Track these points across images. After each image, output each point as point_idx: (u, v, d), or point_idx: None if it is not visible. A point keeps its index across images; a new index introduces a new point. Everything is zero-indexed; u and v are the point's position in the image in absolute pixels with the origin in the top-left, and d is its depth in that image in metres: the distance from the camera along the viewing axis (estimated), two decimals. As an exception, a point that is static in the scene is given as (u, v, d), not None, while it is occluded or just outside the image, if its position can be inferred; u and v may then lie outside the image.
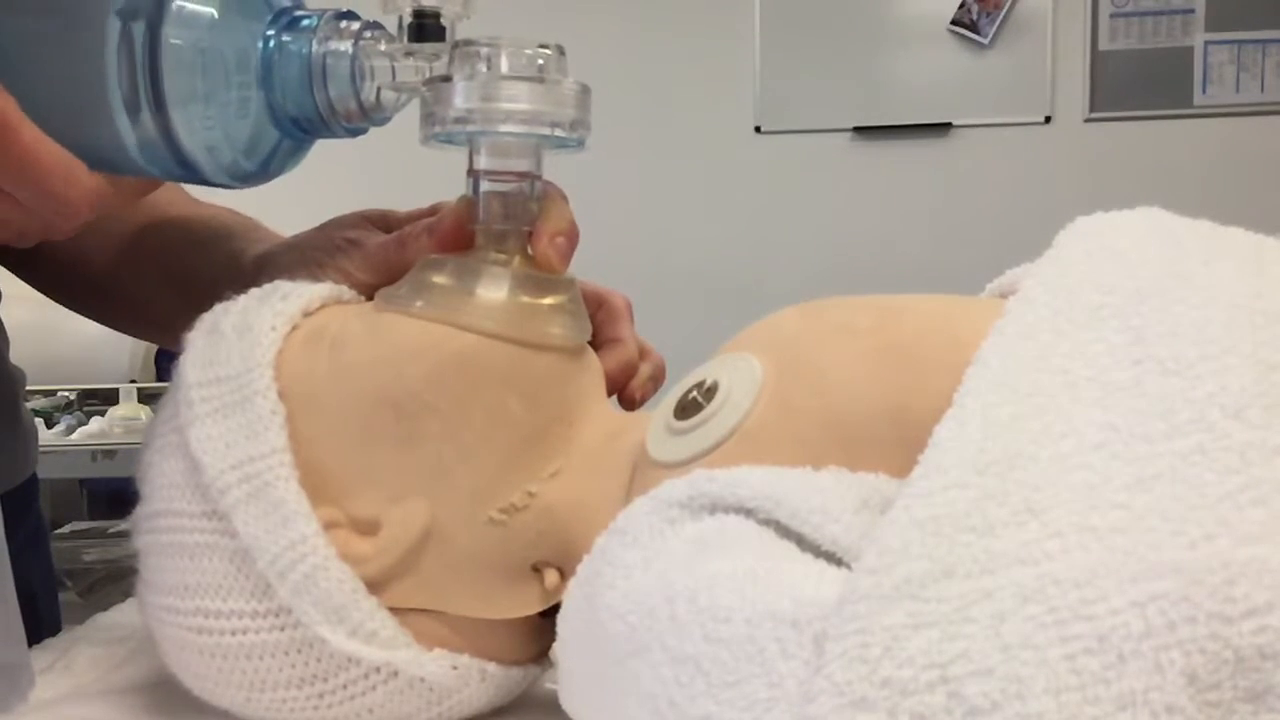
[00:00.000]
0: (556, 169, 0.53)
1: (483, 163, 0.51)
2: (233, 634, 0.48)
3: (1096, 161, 3.31)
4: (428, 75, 0.51)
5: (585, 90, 0.50)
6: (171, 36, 0.48)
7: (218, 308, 0.54)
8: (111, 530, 2.70)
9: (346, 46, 0.51)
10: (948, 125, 3.41)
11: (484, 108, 0.48)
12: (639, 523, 0.41)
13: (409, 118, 0.55)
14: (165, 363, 2.86)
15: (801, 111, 3.46)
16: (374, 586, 0.48)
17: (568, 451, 0.51)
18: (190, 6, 0.49)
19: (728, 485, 0.40)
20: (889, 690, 0.31)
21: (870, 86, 3.43)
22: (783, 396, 0.45)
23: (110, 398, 2.78)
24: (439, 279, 0.51)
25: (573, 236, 0.53)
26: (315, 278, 0.56)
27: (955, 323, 0.46)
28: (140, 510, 0.51)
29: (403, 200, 0.63)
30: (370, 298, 0.55)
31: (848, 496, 0.39)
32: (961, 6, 3.37)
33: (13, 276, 0.74)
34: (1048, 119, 3.37)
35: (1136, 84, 3.34)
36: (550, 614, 0.46)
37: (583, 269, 0.54)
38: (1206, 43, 3.30)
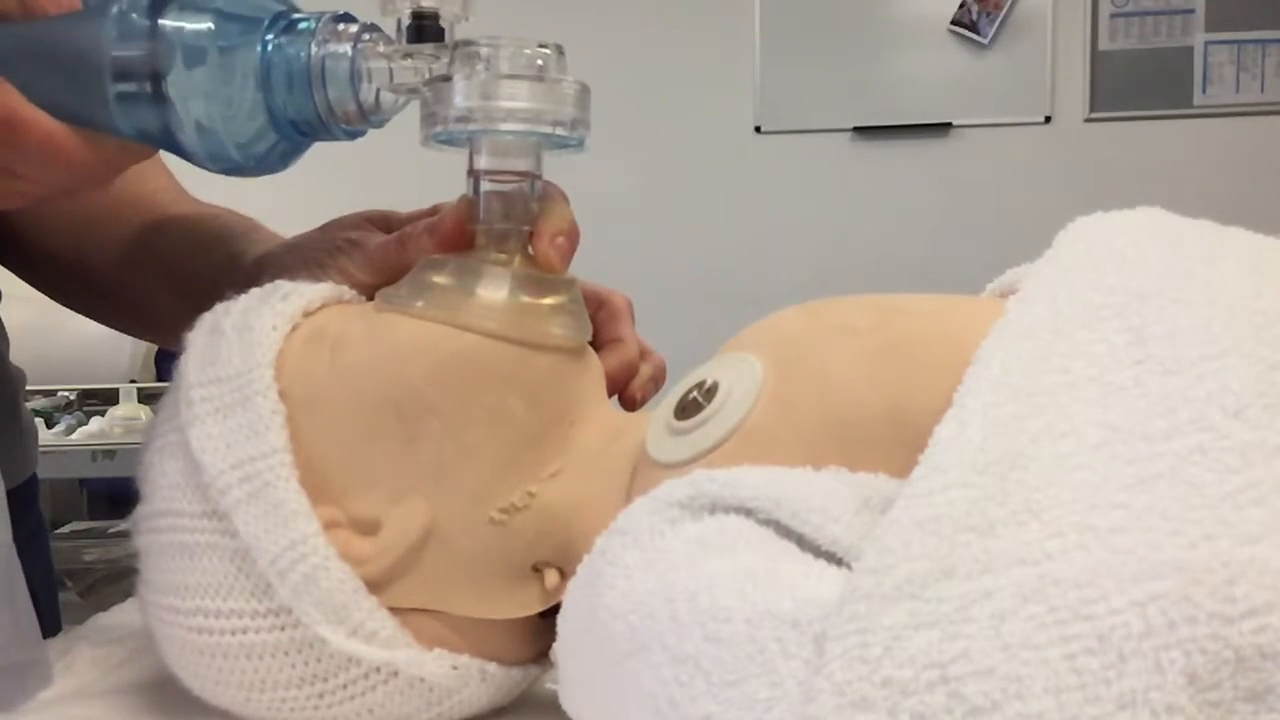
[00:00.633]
0: (556, 169, 0.53)
1: (483, 162, 0.51)
2: (233, 634, 0.48)
3: (1096, 161, 3.31)
4: (427, 77, 0.51)
5: (585, 90, 0.50)
6: (171, 36, 0.48)
7: (218, 307, 0.54)
8: (111, 530, 2.70)
9: (345, 49, 0.51)
10: (948, 125, 3.41)
11: (484, 106, 0.48)
12: (639, 523, 0.41)
13: (408, 119, 0.55)
14: (165, 363, 2.86)
15: (801, 111, 3.46)
16: (374, 586, 0.48)
17: (568, 451, 0.51)
18: (190, 8, 0.49)
19: (728, 485, 0.40)
20: (889, 690, 0.31)
21: (870, 86, 3.43)
22: (783, 396, 0.45)
23: (110, 398, 2.78)
24: (439, 279, 0.51)
25: (573, 236, 0.53)
26: (316, 278, 0.56)
27: (955, 323, 0.47)
28: (140, 510, 0.51)
29: (403, 202, 0.63)
30: (371, 298, 0.55)
31: (848, 496, 0.39)
32: (961, 6, 3.37)
33: (13, 276, 0.74)
34: (1048, 119, 3.37)
35: (1136, 84, 3.34)
36: (550, 614, 0.46)
37: (582, 269, 0.54)
38: (1206, 43, 3.30)
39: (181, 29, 0.49)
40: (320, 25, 0.52)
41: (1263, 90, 3.29)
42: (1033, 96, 3.37)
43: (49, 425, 2.65)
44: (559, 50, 0.50)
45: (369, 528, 0.49)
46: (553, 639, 0.45)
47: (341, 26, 0.52)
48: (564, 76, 0.50)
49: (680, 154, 3.49)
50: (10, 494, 0.72)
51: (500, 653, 0.51)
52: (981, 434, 0.36)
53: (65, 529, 2.76)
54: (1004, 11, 3.35)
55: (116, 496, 2.90)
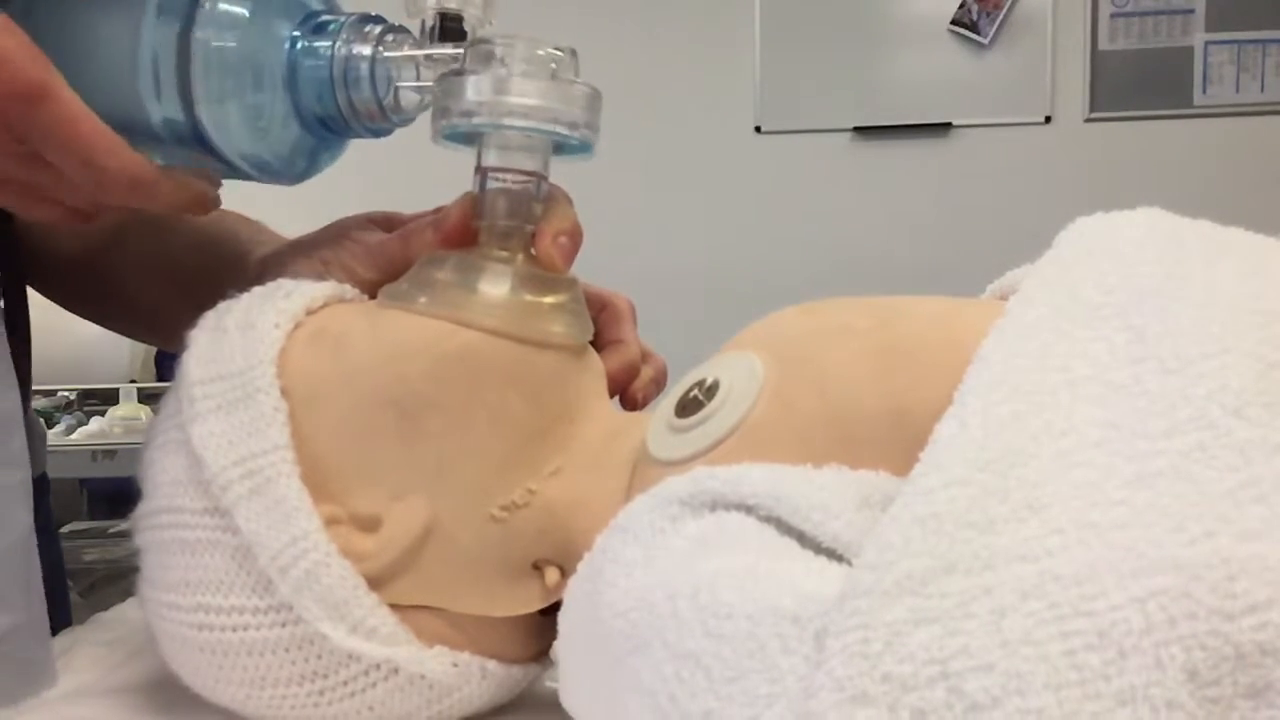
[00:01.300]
0: (557, 169, 0.53)
1: (490, 160, 0.51)
2: (233, 630, 0.48)
3: (1096, 161, 3.30)
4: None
5: (596, 94, 0.50)
6: (203, 37, 0.50)
7: (221, 306, 0.54)
8: (111, 530, 2.71)
9: (368, 49, 0.52)
10: (948, 125, 3.40)
11: (494, 101, 0.49)
12: (640, 520, 0.41)
13: (412, 123, 0.56)
14: (165, 363, 2.86)
15: (801, 111, 3.46)
16: (375, 583, 0.48)
17: (569, 450, 0.51)
18: (222, 8, 0.50)
19: (729, 482, 0.40)
20: (890, 686, 0.31)
21: (870, 86, 3.43)
22: (783, 395, 0.45)
23: (110, 398, 2.78)
24: (441, 275, 0.51)
25: (576, 237, 0.53)
26: (319, 275, 0.56)
27: (955, 323, 0.47)
28: (142, 507, 0.52)
29: (405, 206, 0.63)
30: (374, 297, 0.55)
31: (849, 494, 0.39)
32: (961, 6, 3.37)
33: None
34: (1048, 119, 3.37)
35: (1136, 84, 3.33)
36: (551, 612, 0.46)
37: (583, 269, 0.54)
38: (1206, 43, 3.30)
39: (213, 20, 0.50)
40: (346, 25, 0.53)
41: (1263, 90, 3.29)
42: (1033, 96, 3.36)
43: (49, 425, 2.65)
44: (573, 53, 0.50)
45: (370, 524, 0.49)
46: (553, 637, 0.45)
47: (367, 27, 0.53)
48: (576, 79, 0.50)
49: (680, 154, 3.49)
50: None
51: (501, 650, 0.51)
52: (982, 431, 0.36)
53: (65, 529, 2.76)
54: (1004, 11, 3.35)
55: (116, 496, 2.90)
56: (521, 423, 0.50)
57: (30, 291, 0.75)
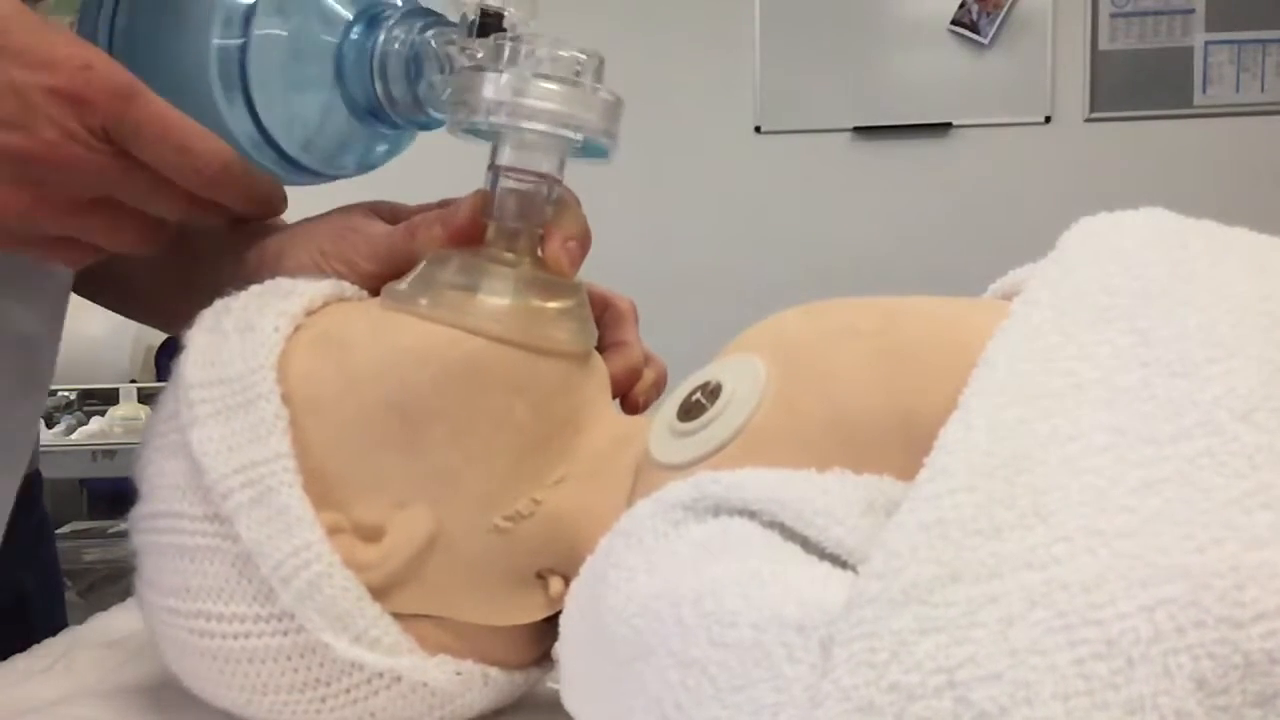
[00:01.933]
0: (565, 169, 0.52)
1: (505, 159, 0.50)
2: (234, 637, 0.48)
3: (1096, 161, 3.30)
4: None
5: (618, 101, 0.50)
6: (260, 33, 0.52)
7: (217, 305, 0.53)
8: (111, 530, 2.70)
9: (408, 41, 0.53)
10: (948, 125, 3.40)
11: (513, 102, 0.48)
12: (642, 524, 0.40)
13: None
14: (165, 362, 2.85)
15: (801, 111, 3.46)
16: (377, 593, 0.48)
17: (573, 458, 0.51)
18: (276, 3, 0.53)
19: (732, 487, 0.40)
20: (896, 695, 0.31)
21: (870, 86, 3.43)
22: (787, 398, 0.45)
23: (110, 398, 2.78)
24: (446, 277, 0.51)
25: (585, 242, 0.53)
26: (319, 267, 0.55)
27: (959, 325, 0.46)
28: (139, 509, 0.51)
29: (407, 196, 0.62)
30: (374, 291, 0.54)
31: (853, 499, 0.39)
32: (961, 6, 3.37)
33: None
34: (1048, 119, 3.37)
35: (1136, 84, 3.33)
36: (553, 618, 0.46)
37: (583, 269, 0.54)
38: (1206, 43, 3.30)
39: (268, 15, 0.53)
40: (397, 17, 0.54)
41: (1263, 90, 3.29)
42: (1033, 96, 3.36)
43: (49, 425, 2.65)
44: (599, 59, 0.50)
45: (373, 534, 0.48)
46: (555, 640, 0.45)
47: (415, 20, 0.54)
48: (599, 85, 0.49)
49: (680, 154, 3.49)
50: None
51: (503, 657, 0.51)
52: (987, 437, 0.36)
53: (65, 529, 2.76)
54: (1004, 11, 3.35)
55: (116, 496, 2.89)
56: (526, 431, 0.50)
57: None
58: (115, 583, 2.31)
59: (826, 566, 0.37)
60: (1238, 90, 3.30)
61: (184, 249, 0.67)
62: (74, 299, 0.74)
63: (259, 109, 0.53)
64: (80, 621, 0.72)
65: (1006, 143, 3.38)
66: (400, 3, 0.56)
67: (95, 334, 2.65)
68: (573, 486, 0.50)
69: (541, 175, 0.51)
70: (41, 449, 0.81)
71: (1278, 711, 0.30)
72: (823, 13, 3.43)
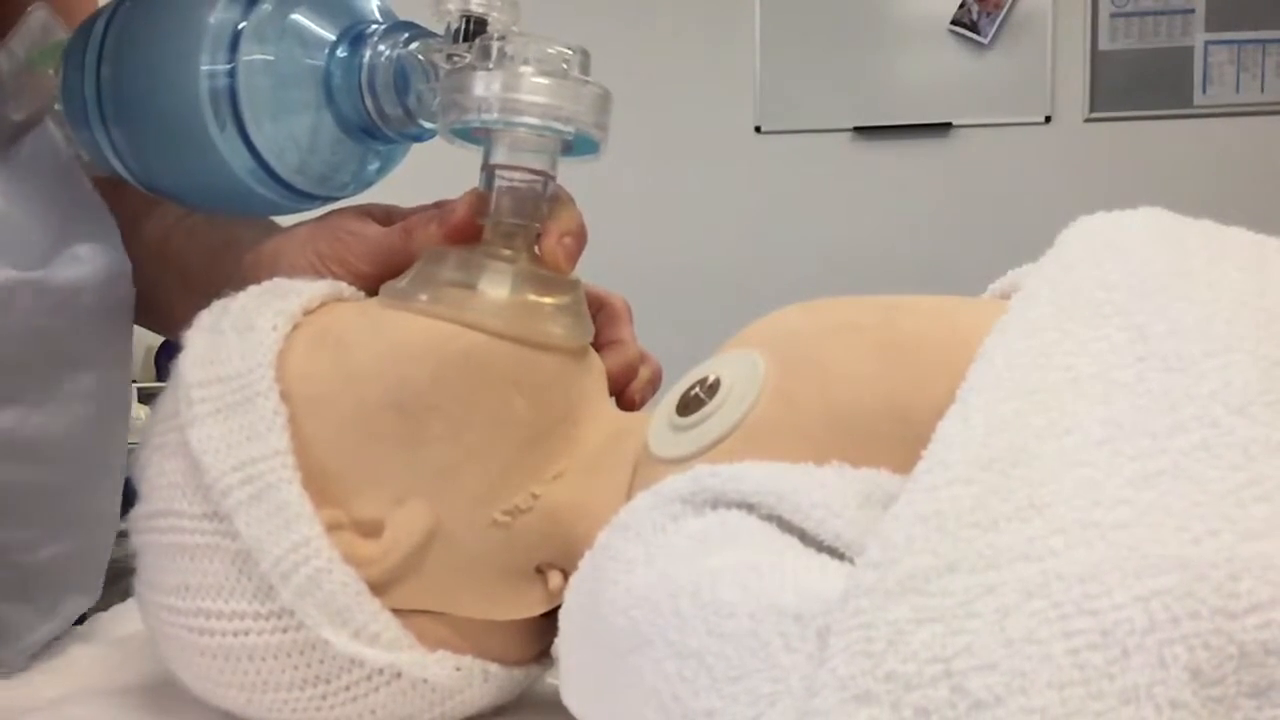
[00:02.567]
0: (559, 169, 0.53)
1: (498, 157, 0.51)
2: (234, 635, 0.48)
3: (1096, 161, 3.30)
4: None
5: (607, 95, 0.50)
6: (246, 60, 0.53)
7: (216, 305, 0.53)
8: (112, 531, 2.69)
9: (393, 55, 0.53)
10: (948, 125, 3.40)
11: (504, 97, 0.48)
12: (641, 518, 0.41)
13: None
14: (164, 363, 2.85)
15: (801, 111, 3.46)
16: (377, 588, 0.48)
17: (571, 453, 0.51)
18: (260, 30, 0.54)
19: (730, 480, 0.40)
20: (892, 684, 0.31)
21: (870, 86, 3.43)
22: (785, 393, 0.45)
23: (111, 398, 2.77)
24: (444, 273, 0.51)
25: (581, 238, 0.53)
26: (316, 270, 0.55)
27: (958, 321, 0.47)
28: (139, 509, 0.51)
29: (401, 199, 0.62)
30: (370, 292, 0.54)
31: (850, 492, 0.39)
32: (961, 6, 3.37)
33: None
34: (1048, 119, 3.37)
35: (1136, 84, 3.33)
36: (553, 614, 0.46)
37: (582, 268, 0.54)
38: (1206, 43, 3.30)
39: (253, 41, 0.53)
40: (380, 33, 0.54)
41: (1263, 90, 3.29)
42: (1033, 96, 3.36)
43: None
44: (584, 54, 0.50)
45: (372, 530, 0.49)
46: (554, 637, 0.45)
47: (398, 34, 0.54)
48: (588, 79, 0.50)
49: (680, 154, 3.49)
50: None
51: (503, 653, 0.51)
52: (985, 430, 0.36)
53: (65, 529, 2.75)
54: (1004, 11, 3.35)
55: (117, 497, 2.89)
56: (524, 425, 0.50)
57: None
58: (115, 583, 2.31)
59: (824, 558, 0.37)
60: (1238, 90, 3.30)
61: (182, 252, 0.67)
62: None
63: (251, 134, 0.54)
64: (80, 621, 0.72)
65: (1006, 143, 3.38)
66: (381, 20, 0.56)
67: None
68: (571, 481, 0.50)
69: (536, 172, 0.51)
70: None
71: (1272, 702, 0.30)
72: (823, 13, 3.43)
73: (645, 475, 0.46)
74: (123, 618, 0.70)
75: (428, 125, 0.55)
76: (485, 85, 0.49)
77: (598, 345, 0.57)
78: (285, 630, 0.47)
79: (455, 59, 0.51)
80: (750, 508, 0.39)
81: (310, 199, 0.58)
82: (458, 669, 0.49)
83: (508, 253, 0.51)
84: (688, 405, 0.47)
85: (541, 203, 0.51)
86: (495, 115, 0.49)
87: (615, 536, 0.41)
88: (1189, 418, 0.35)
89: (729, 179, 3.49)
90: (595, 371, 0.54)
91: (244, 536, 0.47)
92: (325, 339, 0.51)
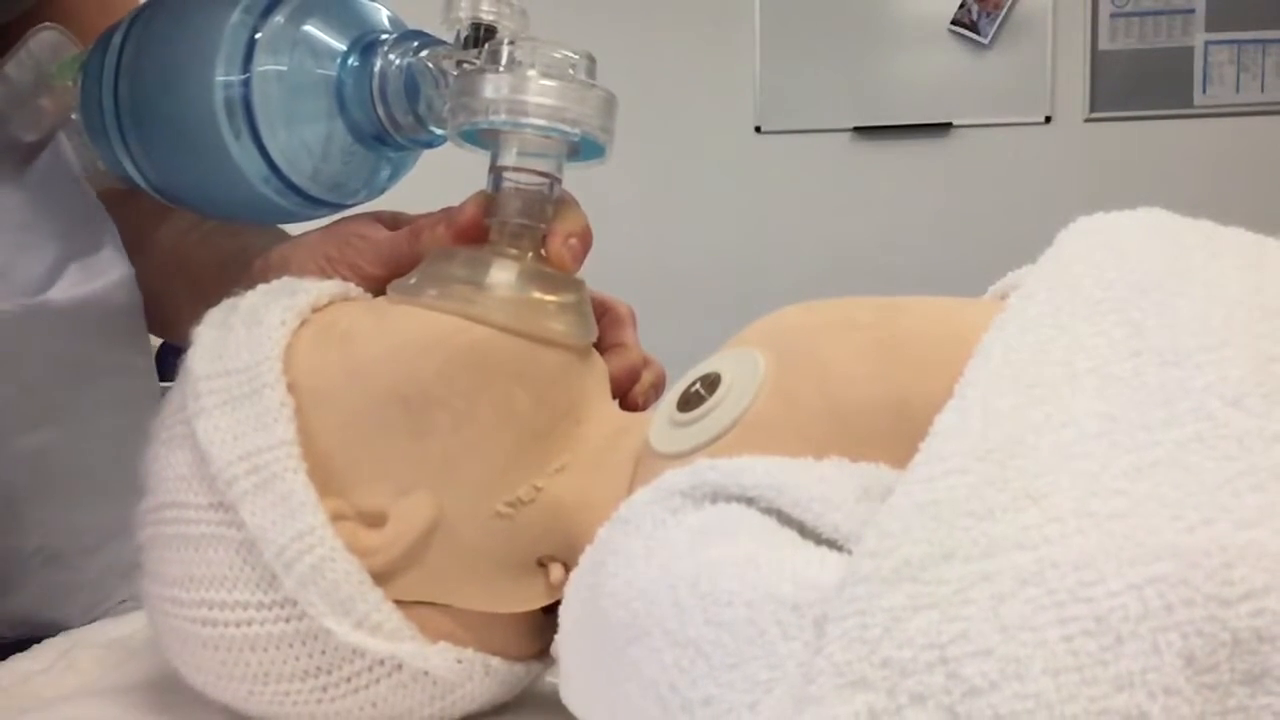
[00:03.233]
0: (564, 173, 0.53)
1: (506, 159, 0.51)
2: (237, 625, 0.48)
3: (1096, 161, 3.31)
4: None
5: (612, 98, 0.51)
6: (259, 70, 0.54)
7: (225, 303, 0.54)
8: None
9: (404, 63, 0.54)
10: (948, 125, 3.41)
11: (511, 100, 0.49)
12: (641, 512, 0.41)
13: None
14: (170, 361, 2.85)
15: (801, 111, 3.46)
16: (380, 579, 0.48)
17: (574, 448, 0.51)
18: (273, 40, 0.55)
19: (730, 474, 0.40)
20: (888, 670, 0.31)
21: (870, 86, 3.43)
22: (785, 389, 0.45)
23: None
24: (451, 269, 0.52)
25: (586, 239, 0.53)
26: (325, 272, 0.56)
27: (956, 318, 0.47)
28: (145, 503, 0.52)
29: (409, 207, 0.63)
30: (378, 294, 0.55)
31: (849, 485, 0.39)
32: (961, 6, 3.37)
33: None
34: (1048, 119, 3.37)
35: (1136, 84, 3.34)
36: (554, 610, 0.46)
37: (584, 268, 0.54)
38: (1206, 43, 3.31)
39: (266, 53, 0.55)
40: (390, 42, 0.55)
41: (1263, 90, 3.29)
42: (1033, 96, 3.37)
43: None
44: (590, 59, 0.51)
45: (375, 520, 0.49)
46: (556, 634, 0.45)
47: (409, 43, 0.55)
48: (594, 83, 0.50)
49: (680, 154, 3.50)
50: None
51: (504, 647, 0.51)
52: (982, 423, 0.36)
53: (67, 529, 2.75)
54: (1004, 11, 3.35)
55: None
56: (527, 420, 0.50)
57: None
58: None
59: (823, 550, 0.37)
60: (1238, 90, 3.30)
61: (194, 259, 0.68)
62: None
63: (266, 143, 0.55)
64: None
65: (1006, 143, 3.38)
66: (391, 29, 0.57)
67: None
68: (573, 475, 0.51)
69: (542, 174, 0.51)
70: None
71: (1265, 689, 0.30)
72: (823, 13, 3.43)
73: (646, 470, 0.47)
74: (124, 617, 0.70)
75: (438, 131, 0.56)
76: (493, 88, 0.49)
77: (601, 348, 0.57)
78: (288, 620, 0.48)
79: (465, 65, 0.52)
80: (750, 501, 0.39)
81: (324, 206, 0.59)
82: (459, 661, 0.50)
83: (514, 252, 0.52)
84: (688, 401, 0.47)
85: (548, 204, 0.52)
86: (503, 117, 0.49)
87: (615, 531, 0.41)
88: (1184, 410, 0.35)
89: (729, 179, 3.50)
90: (598, 371, 0.55)
91: (248, 526, 0.47)
92: (332, 333, 0.51)
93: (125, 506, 0.52)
